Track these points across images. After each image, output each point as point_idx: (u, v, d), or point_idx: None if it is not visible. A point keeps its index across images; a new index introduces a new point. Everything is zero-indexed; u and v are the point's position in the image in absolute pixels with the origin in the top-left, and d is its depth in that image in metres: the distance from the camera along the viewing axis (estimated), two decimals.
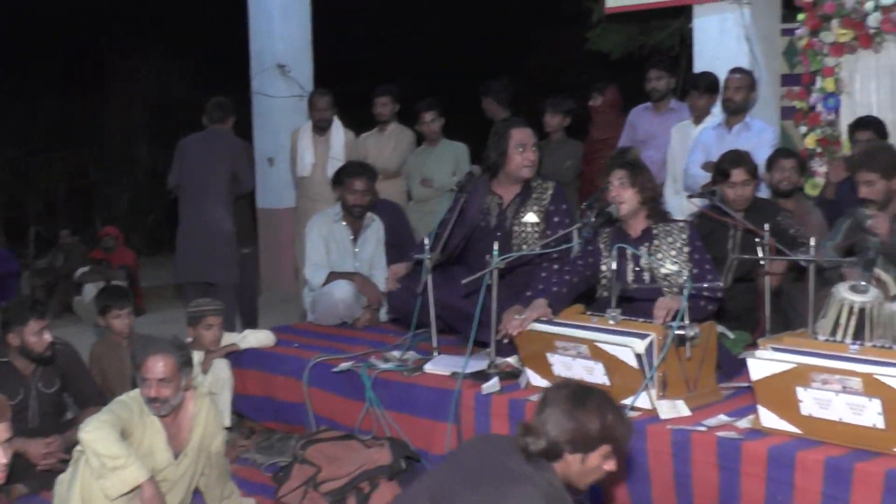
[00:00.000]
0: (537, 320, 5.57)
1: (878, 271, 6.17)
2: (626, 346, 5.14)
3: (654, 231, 5.98)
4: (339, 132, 9.85)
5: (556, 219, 6.63)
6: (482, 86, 10.19)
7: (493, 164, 6.68)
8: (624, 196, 5.90)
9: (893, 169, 6.40)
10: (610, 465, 3.88)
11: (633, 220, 5.98)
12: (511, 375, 5.84)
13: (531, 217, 6.65)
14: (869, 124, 7.83)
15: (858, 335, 5.57)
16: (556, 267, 6.15)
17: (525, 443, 3.81)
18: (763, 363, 4.78)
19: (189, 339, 6.67)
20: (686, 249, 5.91)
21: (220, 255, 8.57)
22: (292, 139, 10.11)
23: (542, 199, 6.68)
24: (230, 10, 14.24)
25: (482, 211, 6.69)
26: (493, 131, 6.77)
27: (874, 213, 6.19)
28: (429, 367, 6.12)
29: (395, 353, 6.42)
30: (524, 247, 6.54)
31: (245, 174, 8.87)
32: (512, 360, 6.00)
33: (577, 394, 3.85)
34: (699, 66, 9.42)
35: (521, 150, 6.57)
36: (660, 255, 5.92)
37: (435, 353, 6.31)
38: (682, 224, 6.05)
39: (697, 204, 7.08)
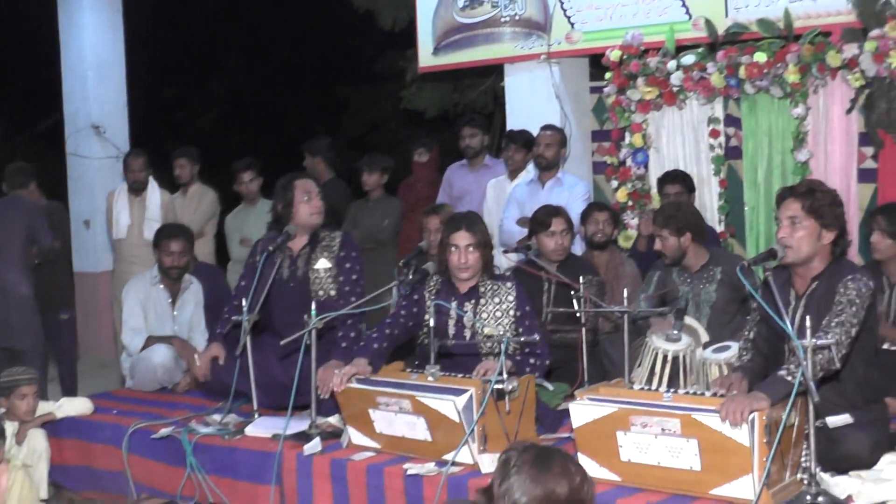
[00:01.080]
0: (357, 379, 5.59)
1: (689, 319, 6.37)
2: (447, 399, 5.18)
3: (482, 289, 6.05)
4: (155, 193, 9.73)
5: (347, 265, 6.67)
6: (309, 145, 10.16)
7: (281, 217, 6.72)
8: (471, 261, 5.95)
9: (685, 227, 6.67)
10: None
11: None
12: (332, 435, 5.82)
13: (323, 263, 6.67)
14: (677, 178, 8.09)
15: (673, 383, 5.75)
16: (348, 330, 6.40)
17: None
18: (585, 408, 4.87)
19: (1, 410, 6.48)
20: (512, 312, 5.99)
21: (18, 319, 8.35)
22: (108, 201, 9.94)
23: (331, 247, 6.72)
24: (44, 71, 13.99)
25: (272, 265, 6.67)
26: (278, 187, 6.83)
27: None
28: (250, 430, 6.06)
29: (216, 417, 6.35)
30: (320, 293, 6.59)
31: (40, 234, 8.62)
32: (333, 419, 5.99)
33: (541, 456, 3.57)
34: (512, 123, 9.61)
35: (306, 198, 6.63)
36: (485, 315, 5.98)
37: (256, 416, 6.26)
38: (509, 285, 6.10)
39: (513, 259, 7.20)
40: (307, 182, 6.76)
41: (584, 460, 4.89)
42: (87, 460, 6.61)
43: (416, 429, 5.35)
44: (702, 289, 6.70)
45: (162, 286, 7.68)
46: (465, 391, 5.19)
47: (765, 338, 5.31)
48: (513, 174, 8.87)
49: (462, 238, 5.93)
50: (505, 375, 5.21)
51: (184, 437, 6.06)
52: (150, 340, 7.45)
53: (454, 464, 5.14)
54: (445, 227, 6.10)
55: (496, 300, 6.01)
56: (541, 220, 7.14)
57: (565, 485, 3.48)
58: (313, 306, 5.79)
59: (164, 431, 6.20)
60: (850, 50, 7.60)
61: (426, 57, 10.24)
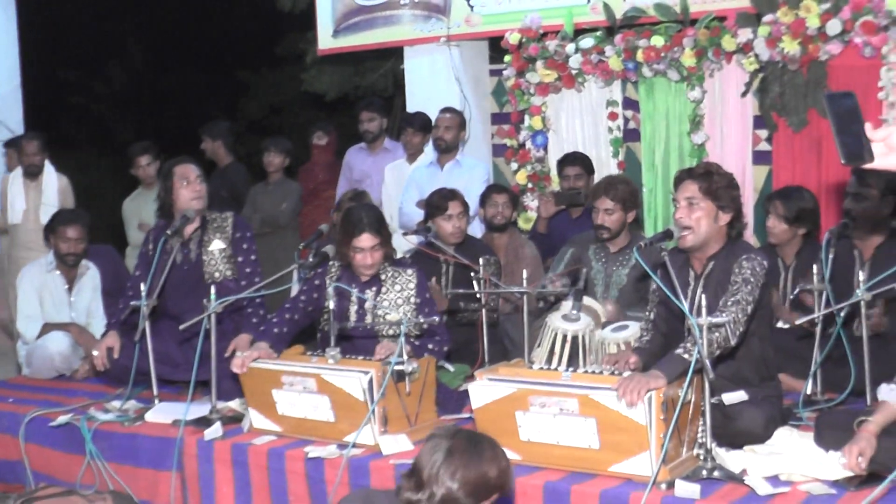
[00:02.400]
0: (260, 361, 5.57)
1: (589, 300, 6.43)
2: (353, 376, 5.19)
3: (383, 276, 6.06)
4: (51, 177, 9.61)
5: (244, 245, 6.69)
6: (208, 129, 10.08)
7: (165, 204, 6.69)
8: (376, 261, 5.97)
9: (632, 207, 6.77)
10: None
11: None
12: (234, 420, 5.80)
13: (217, 244, 6.65)
14: (576, 160, 8.16)
15: (572, 362, 5.80)
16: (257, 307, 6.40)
17: (417, 499, 3.57)
18: (484, 389, 4.90)
19: None
20: (413, 299, 6.02)
21: None
22: (2, 185, 9.79)
23: (224, 228, 6.70)
24: None
25: (166, 252, 6.58)
26: (160, 174, 6.86)
27: None
28: (150, 416, 6.01)
29: (116, 404, 6.28)
30: (216, 274, 6.59)
31: None
32: (234, 404, 5.96)
33: (472, 441, 3.64)
34: (412, 106, 9.62)
35: (185, 183, 6.60)
36: (386, 303, 5.98)
37: (156, 401, 6.21)
38: (410, 272, 6.12)
39: (412, 241, 7.21)
40: (186, 167, 6.67)
41: None
42: None
43: (319, 409, 5.35)
44: (615, 270, 6.77)
45: (58, 272, 7.57)
46: (366, 372, 5.20)
47: (664, 318, 5.39)
48: (411, 157, 8.89)
49: (366, 241, 5.92)
50: (405, 357, 5.23)
51: (83, 424, 6.00)
52: (47, 328, 7.35)
53: (355, 446, 5.15)
54: (348, 226, 5.99)
55: (397, 287, 6.02)
56: (437, 203, 7.15)
57: (495, 468, 3.61)
58: (212, 290, 5.75)
59: (62, 419, 6.13)
60: (745, 35, 7.71)
61: (326, 39, 10.20)
